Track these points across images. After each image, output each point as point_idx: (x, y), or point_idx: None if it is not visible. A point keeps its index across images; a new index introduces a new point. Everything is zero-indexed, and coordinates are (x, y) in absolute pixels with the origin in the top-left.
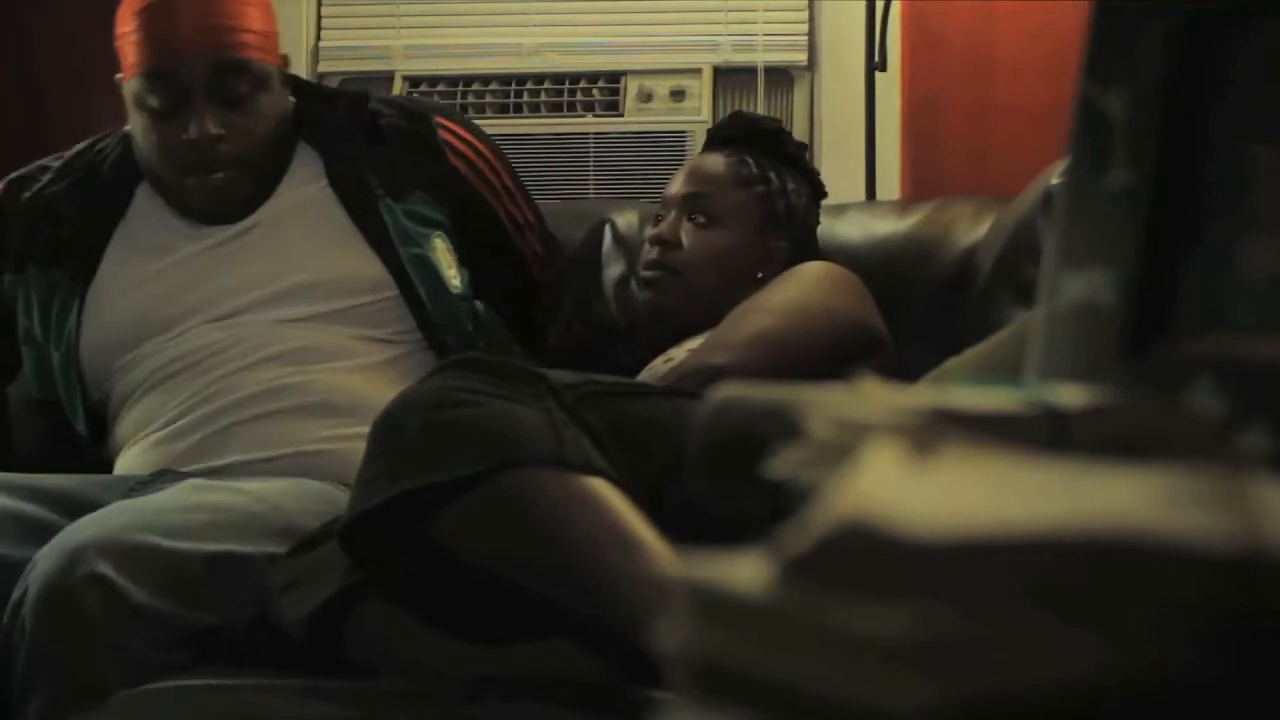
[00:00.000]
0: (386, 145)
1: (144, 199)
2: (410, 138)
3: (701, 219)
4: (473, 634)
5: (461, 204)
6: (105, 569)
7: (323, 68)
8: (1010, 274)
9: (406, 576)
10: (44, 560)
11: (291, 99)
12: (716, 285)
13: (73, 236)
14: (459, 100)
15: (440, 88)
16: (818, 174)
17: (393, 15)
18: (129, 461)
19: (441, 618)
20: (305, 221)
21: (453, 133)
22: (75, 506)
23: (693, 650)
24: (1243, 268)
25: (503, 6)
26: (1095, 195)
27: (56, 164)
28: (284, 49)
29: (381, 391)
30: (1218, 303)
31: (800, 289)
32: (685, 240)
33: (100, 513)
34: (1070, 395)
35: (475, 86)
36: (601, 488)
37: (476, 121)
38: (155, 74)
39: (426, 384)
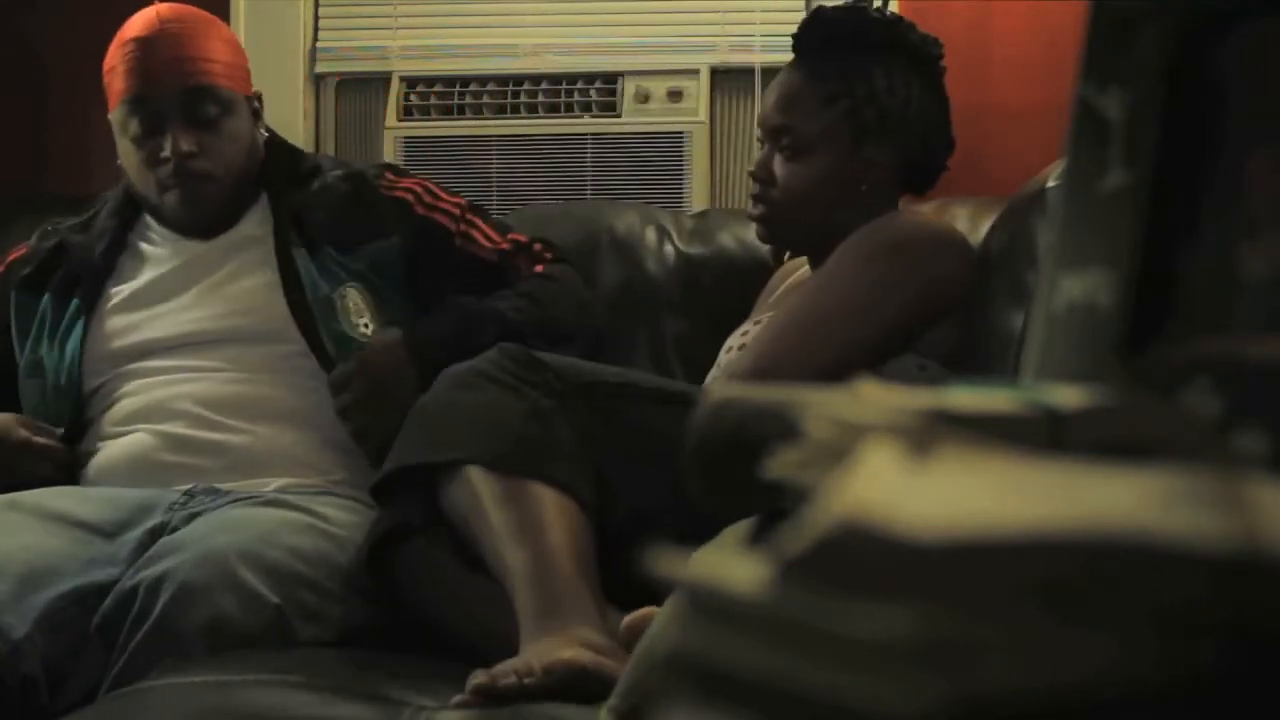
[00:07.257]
0: (330, 199)
1: (142, 228)
2: (352, 192)
3: (790, 150)
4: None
5: (418, 233)
6: (245, 575)
7: (320, 69)
8: (1008, 275)
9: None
10: (185, 562)
11: (263, 145)
12: (820, 212)
13: (82, 268)
14: (455, 101)
15: (437, 88)
16: (924, 47)
17: (390, 16)
18: (111, 451)
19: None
20: (246, 260)
21: (392, 178)
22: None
23: (690, 651)
24: (1240, 268)
25: (500, 7)
26: (1093, 196)
27: (74, 219)
28: (280, 54)
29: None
30: (1215, 303)
31: (842, 283)
32: (779, 173)
33: (223, 523)
34: (1068, 396)
35: (472, 87)
36: (543, 493)
37: (474, 122)
38: (135, 100)
39: (470, 362)
